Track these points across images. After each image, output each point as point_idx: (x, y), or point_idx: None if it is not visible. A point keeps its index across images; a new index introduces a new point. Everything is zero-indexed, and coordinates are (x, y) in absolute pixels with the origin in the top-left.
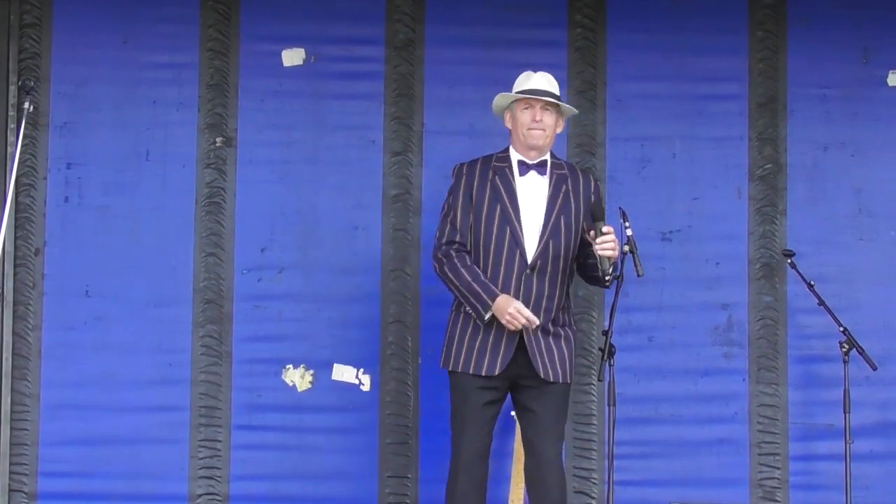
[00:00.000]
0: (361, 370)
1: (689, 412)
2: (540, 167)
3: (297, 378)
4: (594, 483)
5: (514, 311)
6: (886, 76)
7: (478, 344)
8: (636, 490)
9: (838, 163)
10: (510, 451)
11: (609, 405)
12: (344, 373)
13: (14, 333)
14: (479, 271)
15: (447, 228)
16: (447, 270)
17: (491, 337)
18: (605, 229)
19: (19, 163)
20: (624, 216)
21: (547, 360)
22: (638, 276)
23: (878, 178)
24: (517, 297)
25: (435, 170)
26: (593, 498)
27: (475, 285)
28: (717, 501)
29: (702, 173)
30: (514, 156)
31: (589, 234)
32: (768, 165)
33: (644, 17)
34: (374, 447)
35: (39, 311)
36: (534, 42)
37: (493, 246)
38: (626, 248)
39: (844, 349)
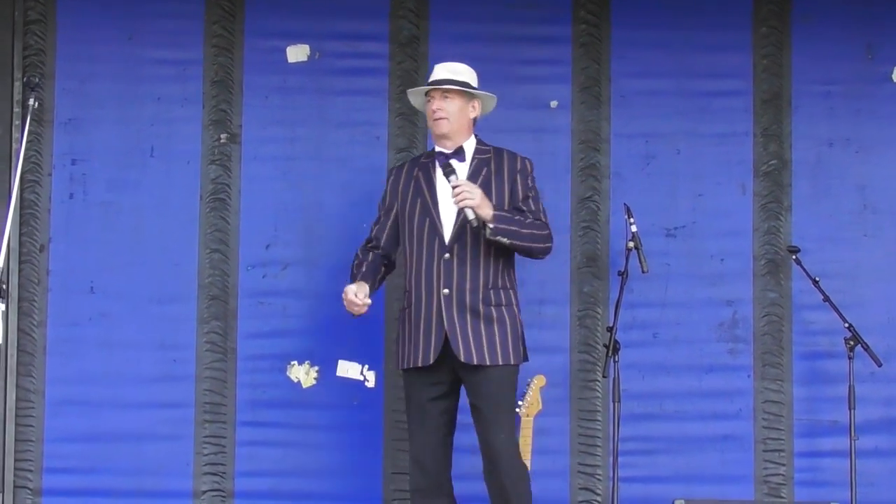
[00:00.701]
0: (366, 366)
1: (693, 408)
2: (458, 154)
3: (302, 374)
4: (599, 479)
5: (344, 293)
6: (891, 72)
7: (410, 338)
8: (641, 486)
9: (843, 159)
10: None
11: (614, 401)
12: (349, 369)
13: (19, 329)
14: (370, 263)
15: (371, 230)
16: (352, 265)
17: (421, 329)
18: (452, 184)
19: (24, 159)
20: (628, 212)
21: (473, 344)
22: (643, 272)
23: (883, 175)
24: (439, 284)
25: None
26: (598, 494)
27: (355, 274)
28: (722, 498)
29: (706, 170)
30: (437, 148)
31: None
32: (773, 162)
33: (648, 14)
34: (379, 444)
35: (44, 307)
36: (538, 38)
37: (416, 239)
38: (631, 244)
39: (849, 345)
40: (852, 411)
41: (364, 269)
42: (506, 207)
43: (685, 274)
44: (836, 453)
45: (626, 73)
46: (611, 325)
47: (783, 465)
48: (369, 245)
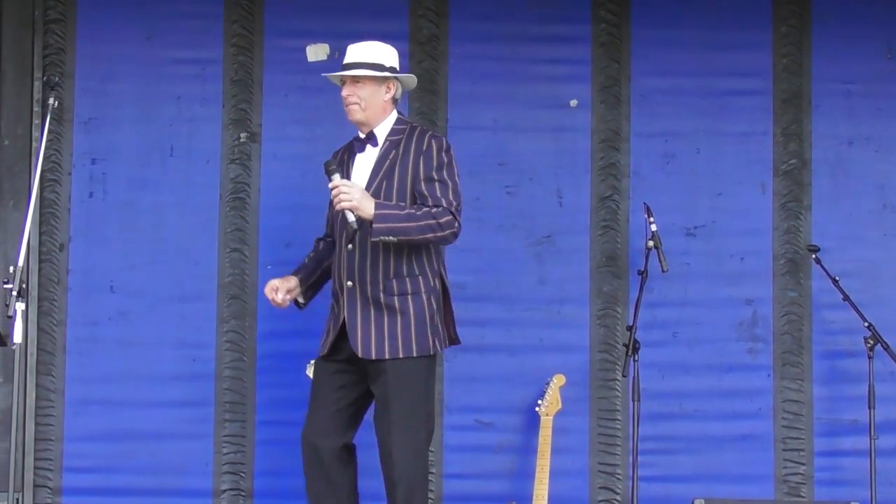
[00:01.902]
0: None
1: (713, 408)
2: (371, 139)
3: None
4: (619, 479)
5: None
6: None
7: (326, 326)
8: (660, 486)
9: (862, 158)
10: (535, 447)
11: (633, 401)
12: None
13: (39, 329)
14: (312, 253)
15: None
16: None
17: (330, 320)
18: (330, 185)
19: (44, 158)
20: (648, 211)
21: (373, 337)
22: (662, 271)
23: None
24: (343, 275)
25: (459, 165)
26: (618, 494)
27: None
28: (742, 497)
29: (726, 169)
30: (357, 134)
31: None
32: (792, 161)
33: (668, 13)
34: None
35: (64, 306)
36: (557, 37)
37: (336, 230)
38: (651, 243)
39: (869, 344)
40: (872, 410)
41: (306, 262)
42: (409, 191)
43: (705, 273)
44: (855, 452)
45: (646, 72)
46: (630, 324)
47: (803, 464)
48: (324, 236)
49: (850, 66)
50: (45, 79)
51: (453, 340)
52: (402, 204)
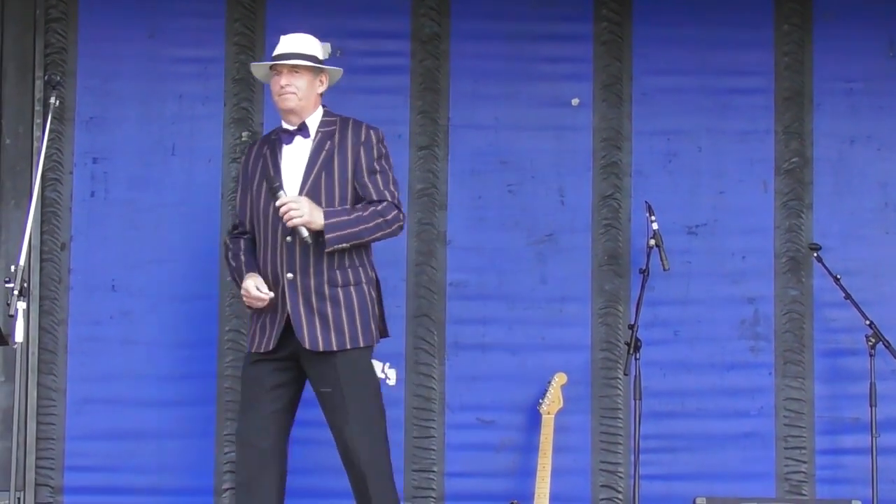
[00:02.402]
0: (387, 364)
1: (715, 406)
2: (303, 131)
3: None
4: (620, 477)
5: (243, 291)
6: None
7: (257, 323)
8: (662, 484)
9: (864, 156)
10: (536, 445)
11: (635, 399)
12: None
13: (40, 328)
14: (244, 251)
15: (235, 217)
16: (228, 254)
17: (266, 314)
18: (277, 203)
19: (45, 157)
20: (650, 210)
21: (319, 330)
22: (664, 269)
23: None
24: (283, 268)
25: (461, 164)
26: (619, 492)
27: (237, 265)
28: (744, 495)
29: (728, 167)
30: (283, 125)
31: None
32: (794, 159)
33: (670, 11)
34: (401, 441)
35: (66, 305)
36: (559, 36)
37: (261, 222)
38: (653, 241)
39: (871, 343)
40: (874, 408)
41: (244, 258)
42: (350, 182)
43: (706, 271)
44: (857, 450)
45: (648, 70)
46: (632, 322)
47: (804, 462)
48: (236, 231)
49: (852, 64)
50: (46, 77)
51: (384, 333)
52: (347, 207)
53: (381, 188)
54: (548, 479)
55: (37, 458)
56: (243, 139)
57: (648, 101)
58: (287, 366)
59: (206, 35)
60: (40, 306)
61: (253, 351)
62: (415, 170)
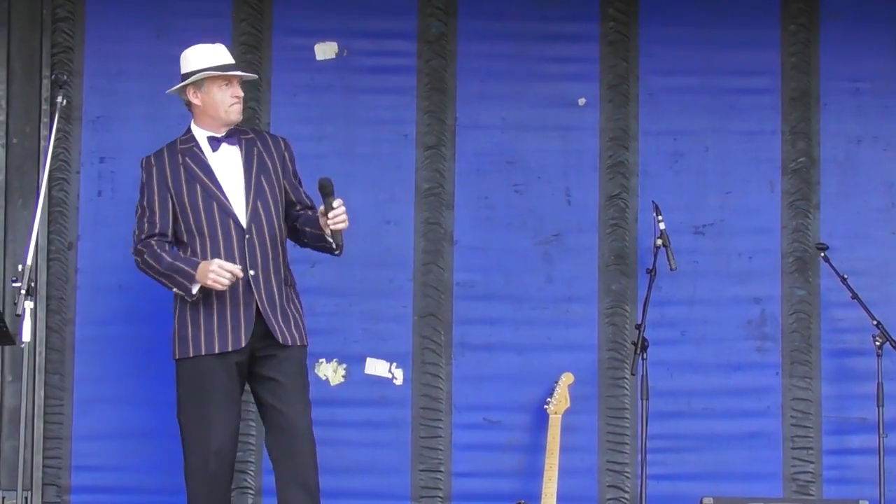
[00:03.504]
0: (394, 364)
1: (721, 406)
2: (229, 137)
3: (330, 372)
4: (627, 477)
5: (216, 267)
6: None
7: (216, 322)
8: (669, 484)
9: (871, 156)
10: (543, 445)
11: (642, 399)
12: (377, 367)
13: (47, 327)
14: (173, 253)
15: (145, 226)
16: (147, 258)
17: (228, 312)
18: (335, 204)
19: (52, 157)
20: (657, 210)
21: (283, 325)
22: (671, 269)
23: None
24: (244, 265)
25: (467, 164)
26: (626, 492)
27: (176, 263)
28: (751, 496)
29: (734, 167)
30: (201, 133)
31: (319, 210)
32: (801, 159)
33: (676, 11)
34: (407, 441)
35: (73, 305)
36: (566, 36)
37: (205, 226)
38: (659, 241)
39: (878, 343)
40: (881, 408)
41: (181, 256)
42: (281, 185)
43: (713, 271)
44: (864, 451)
45: (655, 70)
46: (639, 322)
47: (812, 462)
48: (161, 239)
49: (858, 64)
50: (53, 77)
51: None
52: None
53: (305, 198)
54: (555, 479)
55: (44, 458)
56: None
57: (655, 101)
58: (243, 360)
59: (213, 35)
60: (47, 306)
61: (217, 353)
62: (421, 170)
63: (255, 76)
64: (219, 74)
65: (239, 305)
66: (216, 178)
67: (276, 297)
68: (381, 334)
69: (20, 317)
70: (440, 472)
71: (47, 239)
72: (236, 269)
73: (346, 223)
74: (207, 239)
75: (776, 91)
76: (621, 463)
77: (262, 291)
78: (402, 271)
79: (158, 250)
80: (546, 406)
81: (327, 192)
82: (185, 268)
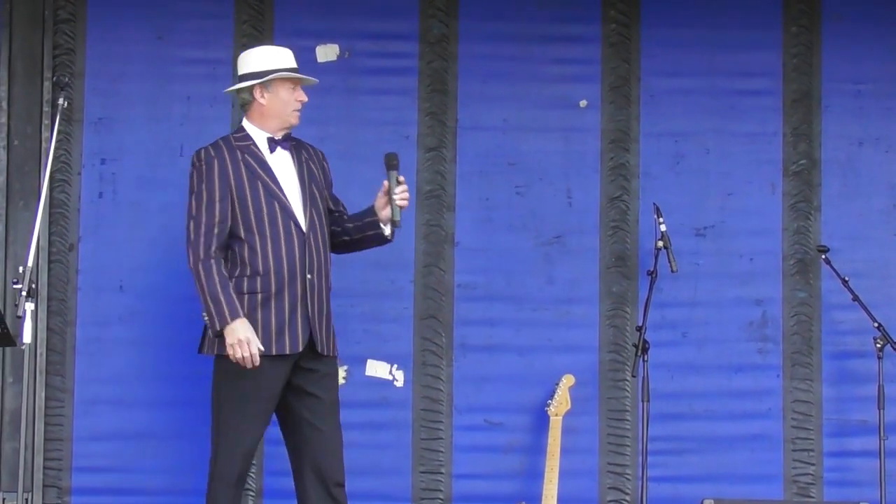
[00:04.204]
0: (395, 366)
1: (723, 408)
2: (284, 141)
3: None
4: (628, 479)
5: (244, 338)
6: None
7: (273, 323)
8: (670, 486)
9: (873, 158)
10: (544, 447)
11: (643, 401)
12: (377, 369)
13: (48, 329)
14: (226, 281)
15: (213, 235)
16: (201, 269)
17: (285, 314)
18: (400, 178)
19: (54, 158)
20: (658, 212)
21: (325, 335)
22: (672, 271)
23: None
24: (302, 269)
25: (468, 165)
26: (627, 494)
27: (221, 296)
28: (751, 498)
29: (736, 169)
30: (258, 133)
31: (382, 190)
32: (803, 161)
33: (678, 13)
34: (408, 443)
35: (74, 306)
36: (567, 37)
37: (267, 226)
38: (660, 243)
39: (879, 345)
40: (882, 411)
41: (231, 291)
42: (323, 197)
43: (714, 273)
44: (865, 453)
45: (656, 72)
46: (640, 324)
47: (812, 464)
48: (218, 253)
49: (860, 65)
50: (54, 79)
51: None
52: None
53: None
54: (555, 481)
55: (44, 459)
56: None
57: (656, 103)
58: (288, 372)
59: (215, 36)
60: (48, 307)
61: (275, 354)
62: (423, 171)
63: (316, 80)
64: (289, 77)
65: (296, 308)
66: (277, 179)
67: (325, 306)
68: (381, 336)
69: (21, 318)
70: (441, 473)
71: (48, 240)
72: (256, 356)
73: (407, 201)
74: (269, 240)
75: (777, 93)
76: (622, 465)
77: (315, 298)
78: (403, 273)
79: (215, 268)
80: (547, 408)
81: (393, 166)
82: (226, 311)
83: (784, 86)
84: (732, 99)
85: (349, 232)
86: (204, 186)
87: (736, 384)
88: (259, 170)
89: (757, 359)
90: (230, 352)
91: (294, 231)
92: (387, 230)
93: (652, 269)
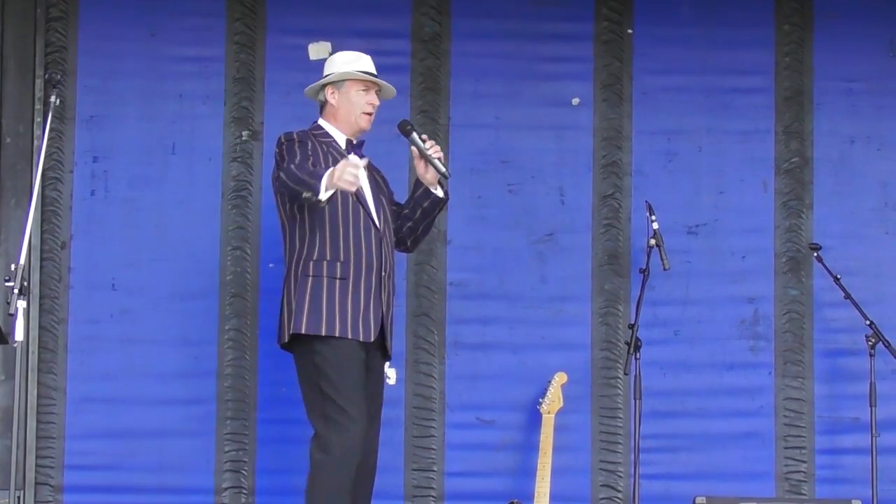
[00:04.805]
0: (387, 364)
1: (715, 406)
2: (359, 148)
3: None
4: (620, 476)
5: (344, 162)
6: None
7: (350, 309)
8: (662, 483)
9: (864, 156)
10: (536, 445)
11: (635, 399)
12: None
13: (40, 327)
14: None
15: (289, 161)
16: (284, 176)
17: (361, 303)
18: (423, 136)
19: (46, 156)
20: (650, 210)
21: (390, 332)
22: (664, 269)
23: None
24: (378, 265)
25: (461, 163)
26: (619, 491)
27: (305, 169)
28: (743, 495)
29: (728, 167)
30: (337, 133)
31: (413, 150)
32: (794, 159)
33: (670, 11)
34: (401, 441)
35: (66, 304)
36: (560, 35)
37: (346, 215)
38: (653, 241)
39: (871, 342)
40: (873, 408)
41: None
42: (389, 210)
43: (707, 271)
44: (857, 450)
45: (648, 70)
46: (632, 322)
47: (804, 462)
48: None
49: (852, 63)
50: (46, 76)
51: None
52: None
53: None
54: (548, 479)
55: (37, 457)
56: (243, 138)
57: (649, 101)
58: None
59: (207, 34)
60: (40, 305)
61: (350, 337)
62: (415, 169)
63: (394, 90)
64: (360, 79)
65: (370, 300)
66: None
67: (392, 305)
68: None
69: (13, 316)
70: (433, 471)
71: (40, 238)
72: (358, 161)
73: (440, 153)
74: (350, 231)
75: (770, 91)
76: (614, 462)
77: (386, 295)
78: (396, 270)
79: (295, 167)
80: (539, 405)
81: (409, 131)
82: (314, 177)
83: (776, 84)
84: (725, 97)
85: (409, 215)
86: (296, 146)
87: (728, 382)
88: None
89: (749, 356)
90: (338, 177)
91: (371, 229)
92: (439, 191)
93: (644, 267)
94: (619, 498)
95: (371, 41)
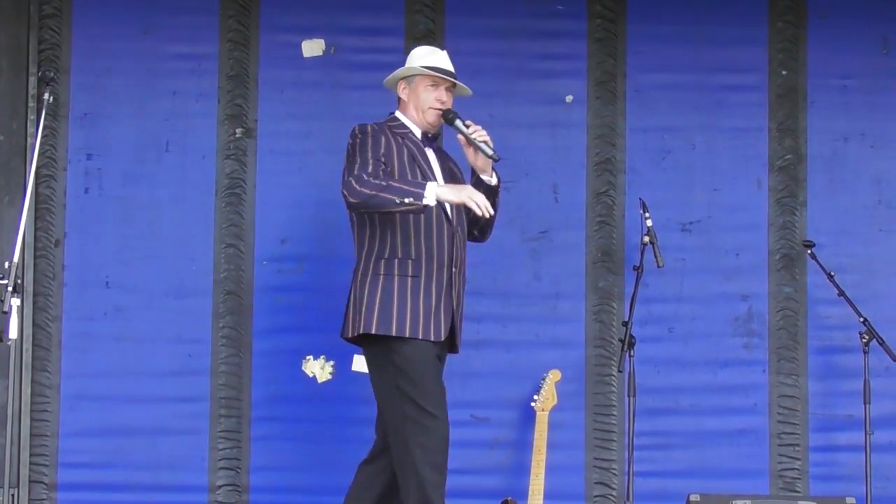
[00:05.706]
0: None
1: (708, 403)
2: (432, 142)
3: (318, 369)
4: (614, 474)
5: (454, 188)
6: None
7: (421, 309)
8: (656, 481)
9: (858, 153)
10: (530, 442)
11: (629, 396)
12: (364, 364)
13: (34, 324)
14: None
15: (361, 164)
16: (366, 184)
17: (432, 303)
18: (467, 122)
19: (39, 154)
20: (644, 207)
21: (460, 329)
22: (658, 266)
23: None
24: (449, 261)
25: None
26: (613, 488)
27: (402, 180)
28: (737, 492)
29: (722, 164)
30: (414, 127)
31: (460, 138)
32: (788, 156)
33: (664, 8)
34: None
35: (59, 301)
36: (553, 33)
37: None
38: (647, 238)
39: (864, 340)
40: (867, 406)
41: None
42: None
43: (700, 268)
44: (851, 448)
45: (642, 67)
46: (626, 319)
47: (798, 459)
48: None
49: (845, 61)
50: (40, 74)
51: None
52: None
53: None
54: (542, 476)
55: (31, 455)
56: (237, 136)
57: (642, 98)
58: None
59: (201, 32)
60: (34, 303)
61: (421, 338)
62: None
63: (469, 90)
64: (429, 74)
65: (441, 298)
66: (433, 172)
67: (462, 301)
68: None
69: (7, 314)
70: None
71: (34, 236)
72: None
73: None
74: (422, 226)
75: (763, 88)
76: (608, 460)
77: (456, 292)
78: None
79: (382, 175)
80: (533, 403)
81: (451, 119)
82: (417, 181)
83: (770, 81)
84: (718, 94)
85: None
86: (370, 141)
87: (722, 379)
88: (418, 157)
89: (743, 354)
90: (476, 203)
91: (445, 224)
92: (493, 179)
93: (638, 265)
94: (612, 495)
95: (365, 39)
